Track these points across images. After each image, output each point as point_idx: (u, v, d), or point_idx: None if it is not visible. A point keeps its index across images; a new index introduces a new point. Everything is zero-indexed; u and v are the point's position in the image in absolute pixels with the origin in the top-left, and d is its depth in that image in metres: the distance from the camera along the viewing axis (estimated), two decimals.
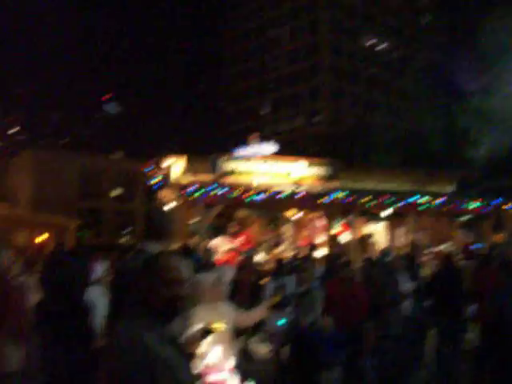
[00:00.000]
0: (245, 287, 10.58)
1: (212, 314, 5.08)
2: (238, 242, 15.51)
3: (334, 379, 7.83)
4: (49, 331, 4.12)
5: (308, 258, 13.08)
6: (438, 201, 16.42)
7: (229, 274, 9.06)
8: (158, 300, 2.66)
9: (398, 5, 79.69)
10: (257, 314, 6.23)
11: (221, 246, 15.15)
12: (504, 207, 17.24)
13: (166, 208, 3.91)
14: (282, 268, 11.45)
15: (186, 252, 9.33)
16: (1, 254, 6.18)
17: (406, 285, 10.08)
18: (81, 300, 4.12)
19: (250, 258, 11.65)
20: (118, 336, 2.59)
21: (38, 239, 36.14)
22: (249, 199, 14.64)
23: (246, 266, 11.54)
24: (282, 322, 8.08)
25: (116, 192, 53.82)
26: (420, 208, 16.33)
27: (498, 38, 26.45)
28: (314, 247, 14.58)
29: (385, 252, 14.54)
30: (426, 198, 16.17)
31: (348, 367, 8.08)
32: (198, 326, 4.82)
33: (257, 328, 8.66)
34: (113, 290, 3.97)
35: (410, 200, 16.11)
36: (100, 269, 9.35)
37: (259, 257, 16.01)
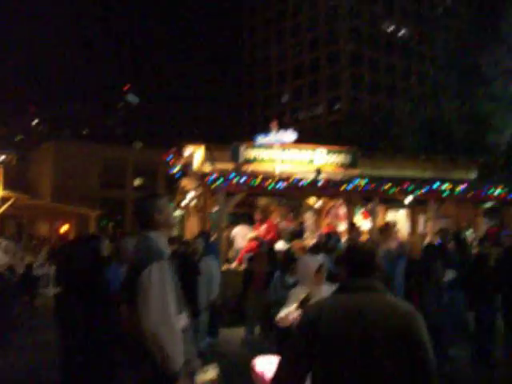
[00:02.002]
0: (259, 276, 10.58)
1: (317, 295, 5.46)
2: (261, 230, 15.49)
3: None
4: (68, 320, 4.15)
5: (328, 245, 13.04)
6: (461, 187, 16.25)
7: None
8: None
9: None
10: None
11: (242, 234, 15.16)
12: None
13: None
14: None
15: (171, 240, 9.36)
16: None
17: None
18: (97, 282, 4.16)
19: (262, 246, 11.64)
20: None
21: (61, 229, 36.46)
22: (270, 187, 14.61)
23: (259, 254, 11.55)
24: None
25: (137, 182, 54.09)
26: (443, 195, 16.19)
27: None
28: (335, 235, 14.54)
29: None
30: (448, 185, 16.02)
31: None
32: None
33: None
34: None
35: (432, 187, 15.97)
36: None
37: (280, 245, 16.00)
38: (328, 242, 13.53)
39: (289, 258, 9.34)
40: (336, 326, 2.89)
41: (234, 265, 14.31)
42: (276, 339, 7.09)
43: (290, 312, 5.55)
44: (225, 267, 13.42)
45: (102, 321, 4.00)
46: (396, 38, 77.74)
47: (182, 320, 3.76)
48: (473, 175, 20.01)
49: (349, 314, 2.90)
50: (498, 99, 26.53)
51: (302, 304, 5.44)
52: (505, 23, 27.01)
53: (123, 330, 3.79)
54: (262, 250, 11.46)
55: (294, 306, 5.57)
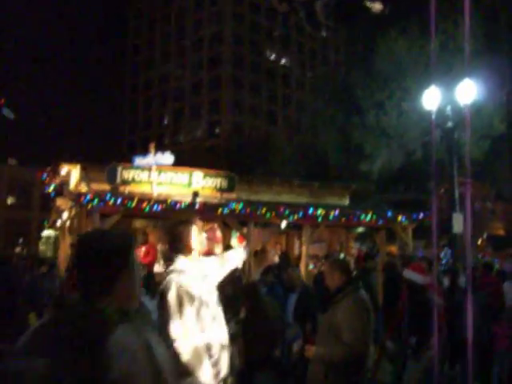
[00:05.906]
0: None
1: None
2: (140, 252, 15.33)
3: None
4: None
5: None
6: (334, 213, 16.75)
7: None
8: None
9: (298, 20, 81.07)
10: None
11: None
12: (398, 219, 17.76)
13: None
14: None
15: None
16: None
17: None
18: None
19: None
20: None
21: None
22: (147, 209, 14.48)
23: None
24: None
25: (10, 200, 52.18)
26: (317, 220, 16.62)
27: (392, 57, 27.50)
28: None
29: None
30: (321, 210, 16.48)
31: None
32: None
33: None
34: None
35: (307, 212, 16.37)
36: None
37: (157, 268, 15.87)
38: None
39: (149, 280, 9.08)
40: None
41: None
42: None
43: None
44: None
45: None
46: (277, 66, 79.56)
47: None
48: (346, 201, 20.75)
49: None
50: (371, 129, 27.70)
51: None
52: (379, 58, 28.33)
53: None
54: None
55: None
